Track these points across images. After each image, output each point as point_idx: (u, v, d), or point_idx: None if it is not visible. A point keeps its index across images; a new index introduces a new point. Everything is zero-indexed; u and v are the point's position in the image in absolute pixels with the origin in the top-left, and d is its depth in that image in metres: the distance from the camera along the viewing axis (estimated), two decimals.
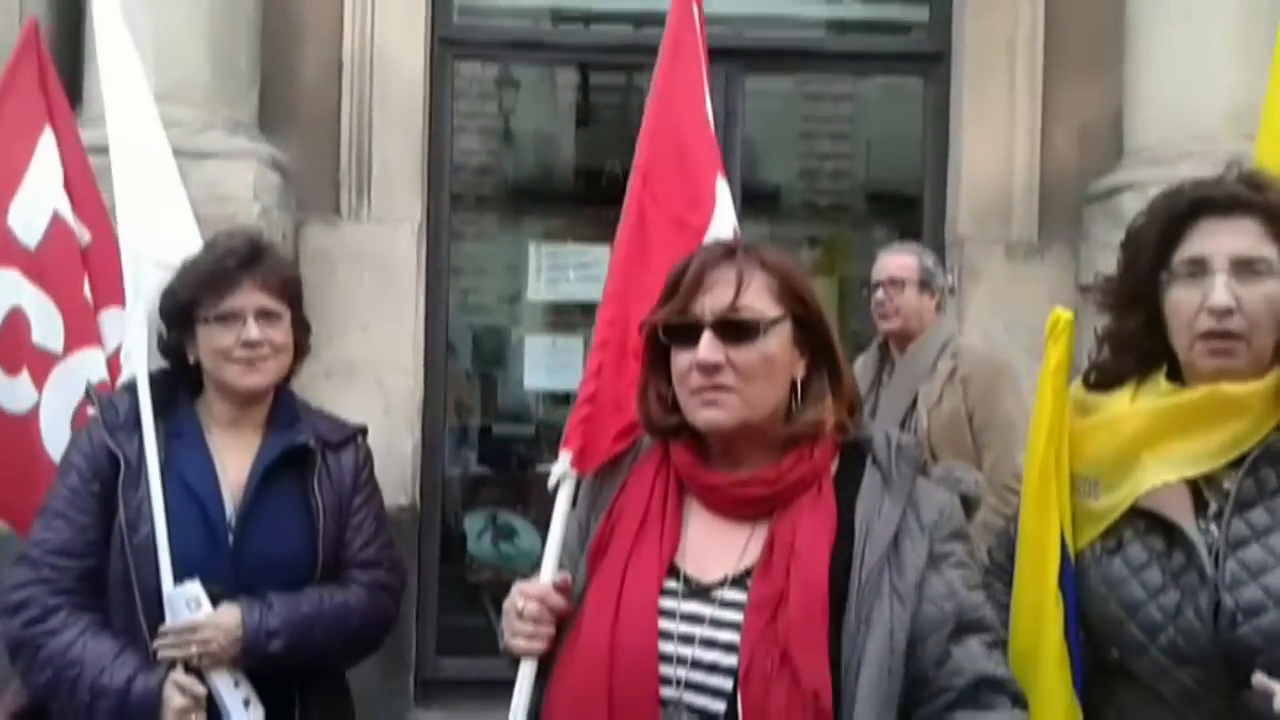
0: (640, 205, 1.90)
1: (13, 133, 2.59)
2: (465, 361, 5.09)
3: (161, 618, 1.87)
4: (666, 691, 1.38)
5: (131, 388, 2.02)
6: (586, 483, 1.73)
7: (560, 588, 1.55)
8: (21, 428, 2.50)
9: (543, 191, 6.28)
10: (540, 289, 4.60)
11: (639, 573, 1.45)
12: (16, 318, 2.52)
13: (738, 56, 4.54)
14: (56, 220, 2.57)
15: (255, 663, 1.89)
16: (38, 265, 2.54)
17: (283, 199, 4.07)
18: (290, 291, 2.08)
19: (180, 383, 2.07)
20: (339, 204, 4.29)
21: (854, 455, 1.50)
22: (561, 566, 1.63)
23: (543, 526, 5.21)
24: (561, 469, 1.88)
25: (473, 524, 4.74)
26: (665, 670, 1.39)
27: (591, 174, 6.62)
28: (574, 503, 1.74)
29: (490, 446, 5.03)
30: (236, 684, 1.89)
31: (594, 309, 1.87)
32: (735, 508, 1.47)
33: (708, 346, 1.43)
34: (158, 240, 2.25)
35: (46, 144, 2.60)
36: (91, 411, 2.07)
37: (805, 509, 1.43)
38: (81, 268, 2.57)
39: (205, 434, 2.03)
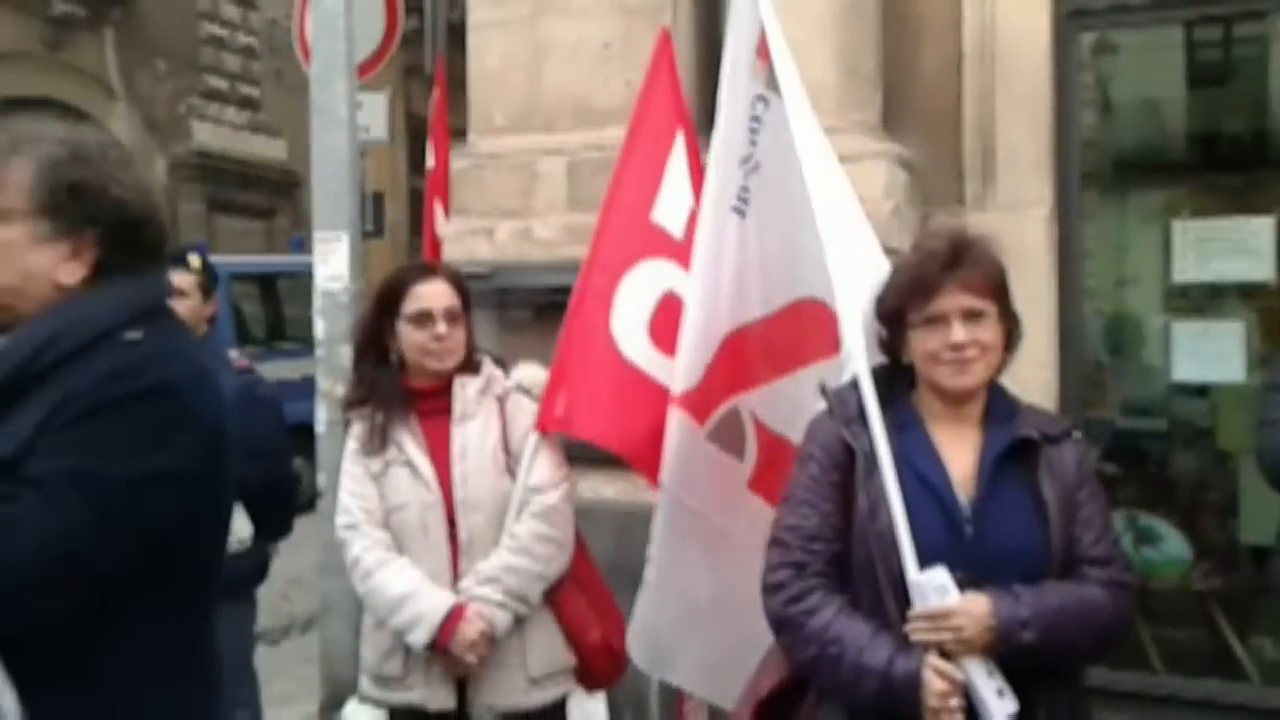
0: None
1: (654, 136, 2.82)
2: (1099, 351, 4.78)
3: (907, 603, 1.92)
4: None
5: (855, 384, 2.12)
6: None
7: None
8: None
9: (1157, 164, 5.72)
10: (1187, 269, 4.18)
11: None
12: (671, 302, 2.72)
13: None
14: (692, 213, 2.75)
15: (1005, 654, 1.88)
16: (688, 254, 2.70)
17: (910, 195, 4.13)
18: (995, 287, 2.06)
19: (898, 378, 2.13)
20: (963, 194, 4.26)
21: None
22: None
23: (1189, 531, 4.66)
24: None
25: None
26: None
27: (1210, 139, 5.89)
28: None
29: (1124, 441, 4.67)
30: (989, 673, 1.88)
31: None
32: None
33: None
34: (861, 244, 2.36)
35: (680, 144, 2.81)
36: (821, 406, 2.21)
37: None
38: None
39: (926, 427, 2.07)
